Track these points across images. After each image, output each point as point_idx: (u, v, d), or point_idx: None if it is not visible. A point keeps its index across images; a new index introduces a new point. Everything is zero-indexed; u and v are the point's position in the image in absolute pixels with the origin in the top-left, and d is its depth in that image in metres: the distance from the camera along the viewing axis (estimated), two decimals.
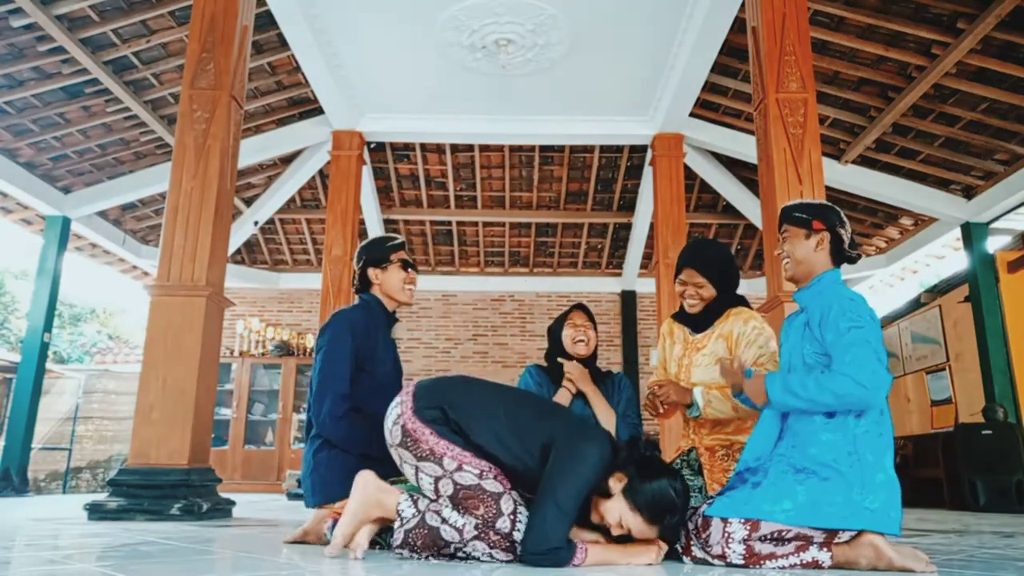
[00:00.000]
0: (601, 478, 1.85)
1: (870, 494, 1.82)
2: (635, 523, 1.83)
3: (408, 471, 2.01)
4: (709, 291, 2.49)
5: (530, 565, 1.80)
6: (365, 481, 2.03)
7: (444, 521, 1.90)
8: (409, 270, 2.69)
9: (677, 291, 2.58)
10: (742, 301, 2.55)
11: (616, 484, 1.85)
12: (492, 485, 1.93)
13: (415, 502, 1.98)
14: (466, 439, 1.95)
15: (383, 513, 2.01)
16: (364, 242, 2.76)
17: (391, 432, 2.03)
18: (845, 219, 2.11)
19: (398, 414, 2.02)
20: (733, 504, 1.89)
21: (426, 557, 1.94)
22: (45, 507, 5.05)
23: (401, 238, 2.76)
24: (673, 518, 1.84)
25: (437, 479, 1.94)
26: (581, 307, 2.86)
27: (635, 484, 1.82)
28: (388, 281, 2.64)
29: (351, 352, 2.46)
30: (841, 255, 2.10)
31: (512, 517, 1.90)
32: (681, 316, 2.63)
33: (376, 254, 2.66)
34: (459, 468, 1.93)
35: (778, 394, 1.91)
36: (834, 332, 1.91)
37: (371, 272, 2.65)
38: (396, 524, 1.96)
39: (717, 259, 2.53)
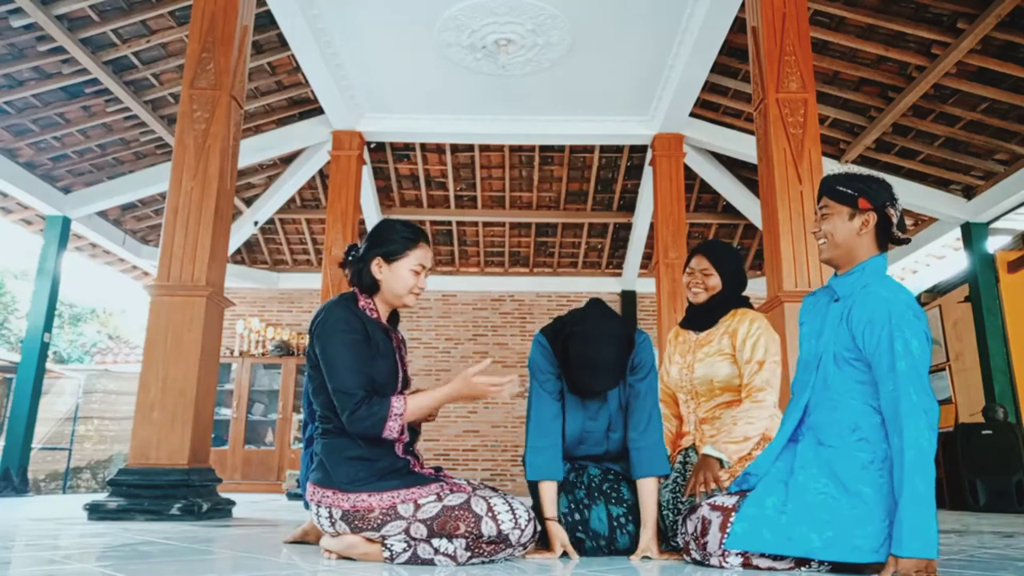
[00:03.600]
0: (355, 326, 1.98)
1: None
2: (420, 257, 2.09)
3: (382, 539, 1.92)
4: (715, 281, 2.54)
5: (362, 432, 1.92)
6: (350, 544, 1.95)
7: (436, 551, 1.87)
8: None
9: (684, 282, 2.62)
10: (746, 303, 2.59)
11: (379, 270, 2.07)
12: (455, 499, 1.90)
13: (405, 533, 1.90)
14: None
15: (367, 560, 1.94)
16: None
17: (336, 527, 1.93)
18: (897, 195, 1.84)
19: (329, 507, 1.92)
20: (755, 531, 1.78)
21: None
22: (45, 507, 5.05)
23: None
24: (413, 227, 2.12)
25: (405, 530, 1.89)
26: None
27: (384, 250, 2.07)
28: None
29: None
30: (888, 237, 1.83)
31: (491, 514, 1.87)
32: (685, 321, 2.67)
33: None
34: (417, 507, 1.89)
35: (918, 511, 1.59)
36: (889, 354, 1.69)
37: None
38: (385, 557, 1.90)
39: (728, 253, 2.59)
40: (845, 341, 1.80)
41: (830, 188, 1.89)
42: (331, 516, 1.93)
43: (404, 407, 1.93)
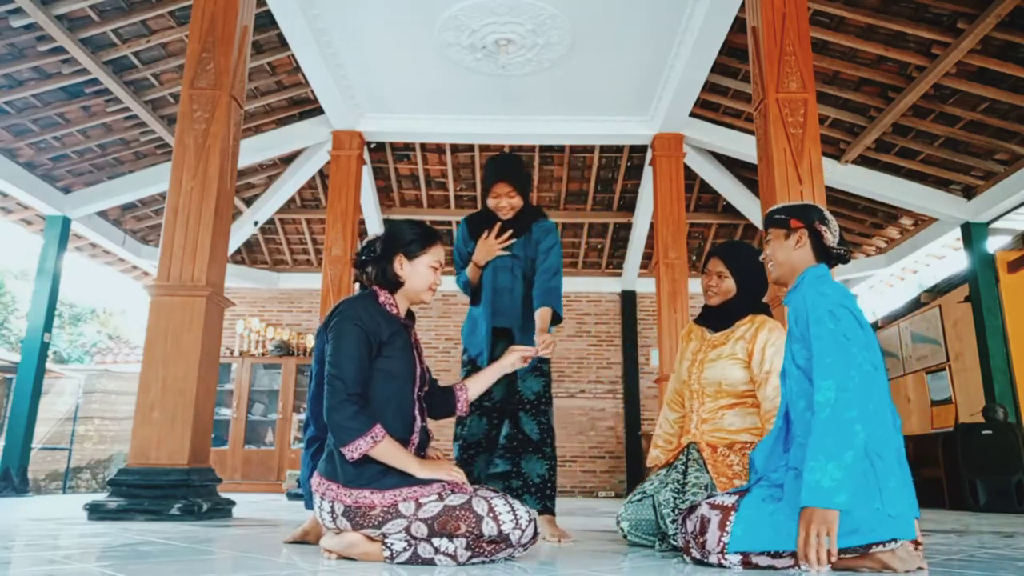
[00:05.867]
0: (370, 326, 2.01)
1: (889, 500, 1.73)
2: (437, 254, 2.17)
3: (382, 536, 1.93)
4: (729, 284, 2.57)
5: (332, 427, 1.93)
6: (350, 543, 1.94)
7: (437, 551, 1.87)
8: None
9: (702, 284, 2.66)
10: (766, 310, 2.59)
11: (401, 266, 2.13)
12: (456, 499, 1.90)
13: (406, 532, 1.90)
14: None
15: (367, 559, 1.94)
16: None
17: (337, 523, 1.95)
18: (829, 217, 2.04)
19: (332, 501, 1.93)
20: (755, 531, 1.81)
21: None
22: (45, 507, 5.05)
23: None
24: (429, 228, 2.22)
25: (406, 528, 1.89)
26: (505, 178, 2.97)
27: (405, 247, 2.14)
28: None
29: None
30: (826, 253, 2.01)
31: (492, 514, 1.87)
32: (701, 318, 2.70)
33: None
34: (418, 505, 1.89)
35: (816, 479, 1.69)
36: (808, 331, 1.84)
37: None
38: (385, 556, 1.89)
39: (744, 256, 2.61)
40: (798, 345, 1.92)
41: (769, 218, 2.11)
42: (333, 511, 1.94)
43: (379, 441, 1.90)
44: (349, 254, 6.75)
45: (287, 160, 8.18)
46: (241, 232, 8.62)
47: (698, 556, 1.91)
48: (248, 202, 8.68)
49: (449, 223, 9.55)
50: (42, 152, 6.82)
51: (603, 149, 8.12)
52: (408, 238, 2.17)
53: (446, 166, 8.44)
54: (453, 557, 1.86)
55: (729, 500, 1.91)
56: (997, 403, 6.28)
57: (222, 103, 4.23)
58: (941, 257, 8.66)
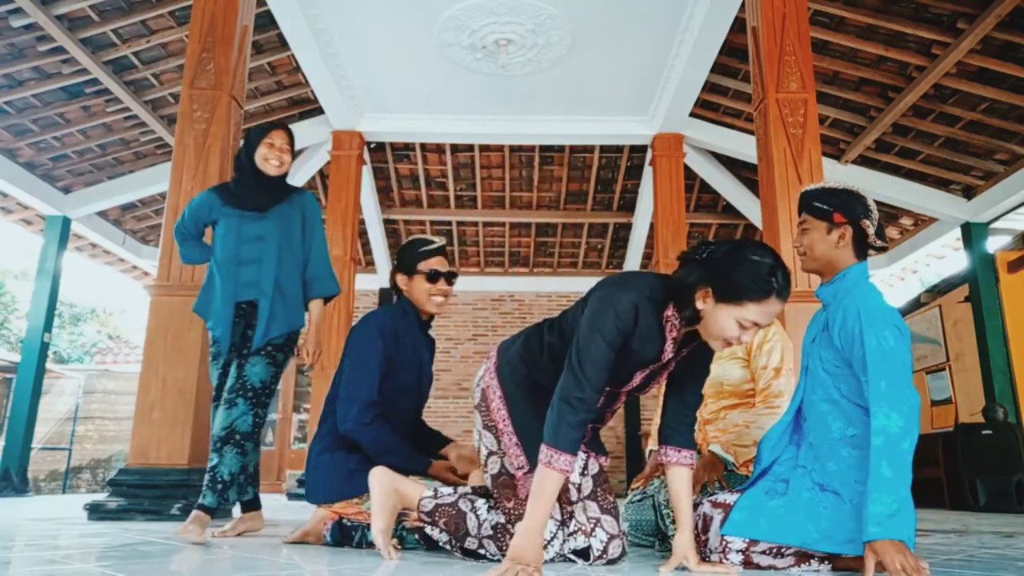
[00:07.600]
0: (632, 323, 1.70)
1: None
2: (756, 313, 1.64)
3: (475, 435, 2.03)
4: None
5: (546, 434, 1.64)
6: (379, 474, 2.03)
7: (474, 510, 1.89)
8: (439, 281, 2.50)
9: None
10: None
11: (703, 301, 1.65)
12: (526, 486, 1.85)
13: (487, 457, 1.97)
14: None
15: (405, 503, 2.01)
16: (405, 242, 2.60)
17: (474, 392, 2.05)
18: (871, 206, 1.87)
19: (483, 371, 2.02)
20: (752, 519, 1.80)
21: (440, 541, 1.96)
22: (45, 507, 5.05)
23: (438, 243, 2.53)
24: (780, 275, 1.66)
25: (490, 453, 1.94)
26: (286, 128, 2.90)
27: (721, 284, 1.63)
28: (413, 291, 2.52)
29: (381, 358, 2.40)
30: (865, 246, 1.88)
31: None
32: None
33: (406, 260, 2.52)
34: (512, 453, 1.91)
35: (883, 511, 1.59)
36: (860, 348, 1.73)
37: (399, 278, 2.54)
38: (428, 496, 1.96)
39: None
40: (829, 351, 1.85)
41: (807, 204, 1.94)
42: (479, 381, 2.02)
43: (554, 466, 1.60)
44: (349, 254, 6.76)
45: None
46: None
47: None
48: None
49: (449, 223, 9.55)
50: (42, 152, 6.82)
51: (603, 149, 8.12)
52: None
53: (446, 166, 8.44)
54: (479, 525, 1.87)
55: (732, 499, 1.91)
56: (997, 403, 6.28)
57: (222, 103, 4.24)
58: (941, 257, 8.67)
